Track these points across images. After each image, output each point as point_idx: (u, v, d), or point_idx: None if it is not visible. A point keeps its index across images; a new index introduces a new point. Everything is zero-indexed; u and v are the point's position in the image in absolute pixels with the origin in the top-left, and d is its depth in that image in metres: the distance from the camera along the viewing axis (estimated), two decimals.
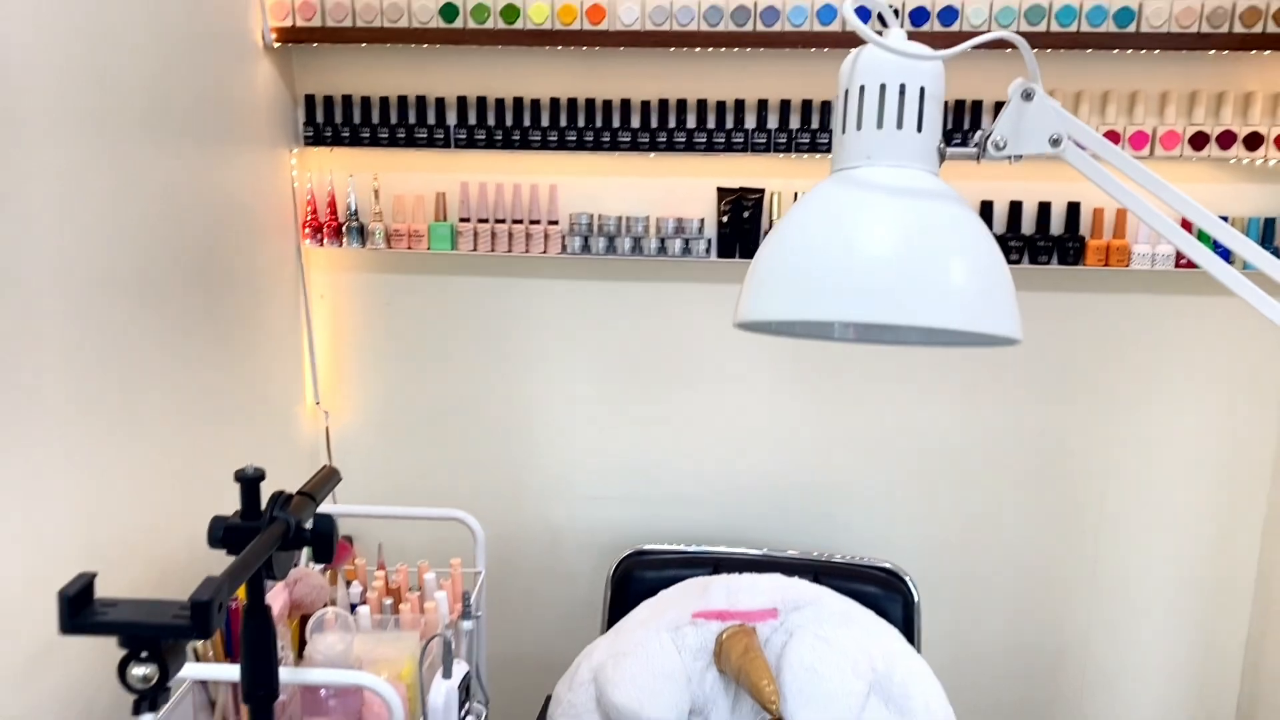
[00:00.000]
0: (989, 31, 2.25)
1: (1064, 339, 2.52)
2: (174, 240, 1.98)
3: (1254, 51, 2.27)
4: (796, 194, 2.47)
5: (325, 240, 2.50)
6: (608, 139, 2.42)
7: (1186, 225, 2.38)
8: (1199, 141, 2.31)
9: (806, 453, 2.62)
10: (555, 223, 2.50)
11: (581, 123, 2.43)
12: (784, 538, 2.63)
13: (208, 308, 2.11)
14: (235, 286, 2.23)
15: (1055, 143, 1.01)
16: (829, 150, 2.38)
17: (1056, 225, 2.43)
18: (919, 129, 0.99)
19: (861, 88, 1.01)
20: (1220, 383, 2.51)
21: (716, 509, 2.65)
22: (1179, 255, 2.38)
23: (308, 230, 2.51)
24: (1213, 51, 2.27)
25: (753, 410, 2.61)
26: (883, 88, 1.00)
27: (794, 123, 2.42)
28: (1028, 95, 1.00)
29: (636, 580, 2.29)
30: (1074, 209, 2.41)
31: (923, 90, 0.99)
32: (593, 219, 2.48)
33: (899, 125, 0.99)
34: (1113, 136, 2.32)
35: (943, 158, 1.01)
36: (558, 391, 2.63)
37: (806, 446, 2.61)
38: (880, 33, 0.99)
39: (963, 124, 2.38)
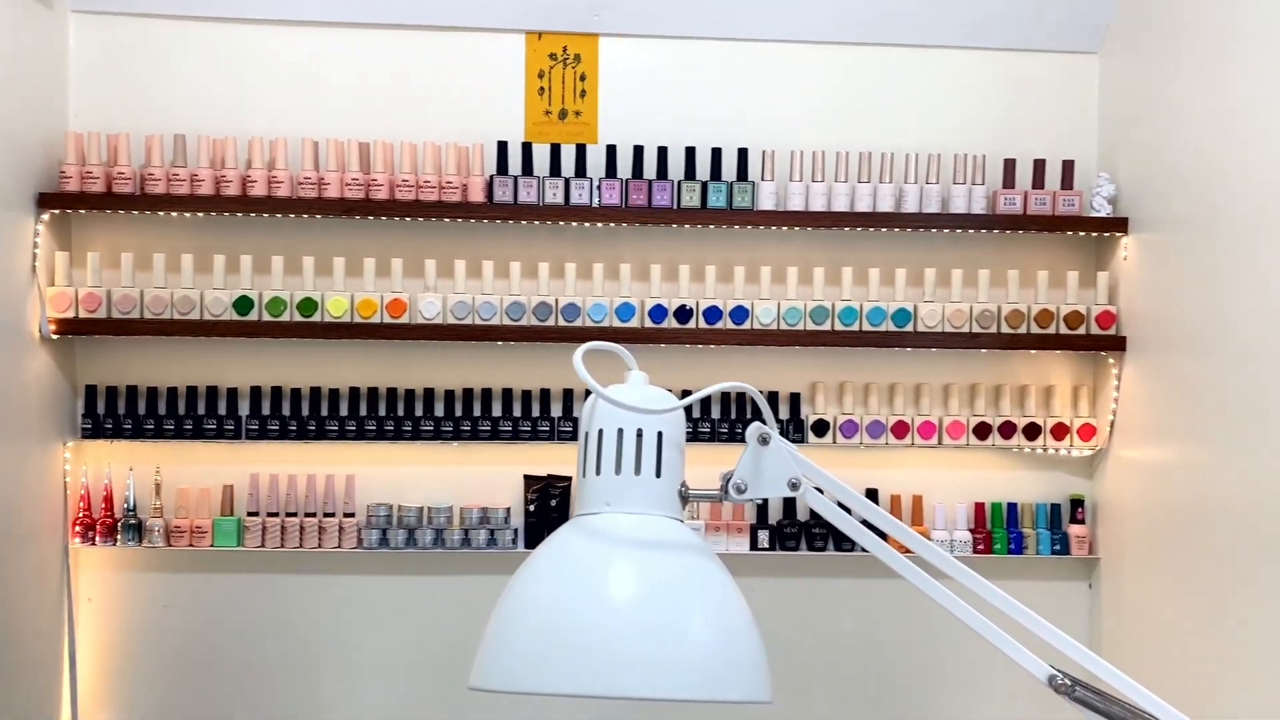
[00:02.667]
0: (777, 329, 2.35)
1: (875, 626, 2.49)
2: None
3: (1021, 351, 2.44)
4: None
5: (98, 539, 2.31)
6: (409, 428, 2.37)
7: (979, 514, 2.46)
8: (982, 431, 2.42)
9: None
10: (351, 515, 2.39)
11: (382, 412, 2.38)
12: None
13: None
14: None
15: (794, 486, 0.99)
16: None
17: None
18: (658, 474, 0.96)
19: (600, 432, 0.98)
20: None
21: None
22: (975, 541, 2.43)
23: (78, 529, 2.31)
24: (984, 350, 2.42)
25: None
26: (620, 433, 0.97)
27: None
28: (764, 440, 0.99)
29: None
30: (872, 496, 2.46)
31: (660, 435, 0.97)
32: (392, 510, 2.39)
33: (637, 471, 0.96)
34: (902, 427, 2.40)
35: (686, 501, 0.98)
36: (356, 699, 2.43)
37: None
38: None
39: (745, 412, 2.42)
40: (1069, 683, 1.03)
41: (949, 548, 2.42)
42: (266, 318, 2.29)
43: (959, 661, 2.49)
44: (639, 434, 0.98)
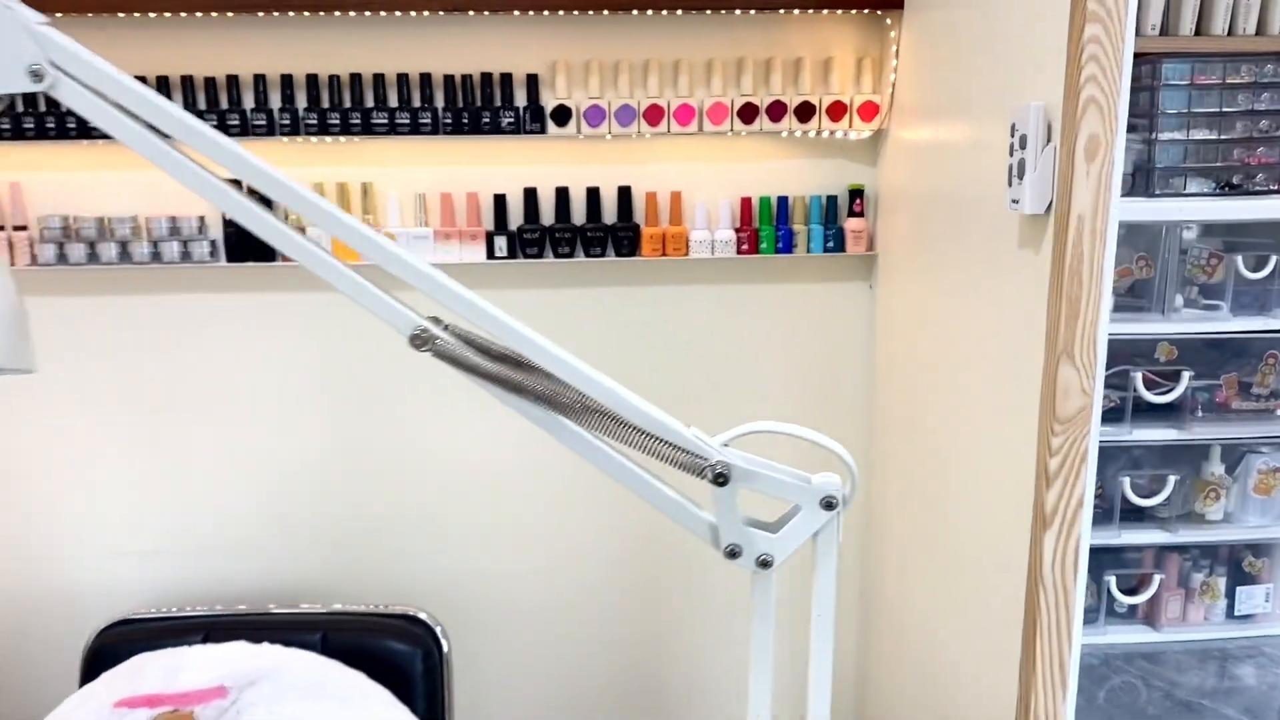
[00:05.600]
0: None
1: (623, 336, 2.26)
2: None
3: (798, 11, 2.07)
4: (315, 184, 2.12)
5: None
6: (74, 125, 2.01)
7: (746, 210, 2.17)
8: (748, 114, 2.09)
9: (343, 488, 2.27)
10: (22, 228, 2.08)
11: (41, 107, 2.02)
12: (319, 587, 2.28)
13: None
14: None
15: (37, 76, 0.68)
16: (343, 131, 2.05)
17: (609, 213, 2.17)
18: None
19: None
20: (804, 373, 2.30)
21: (249, 557, 2.27)
22: (739, 241, 2.16)
23: None
24: (754, 11, 2.05)
25: (285, 444, 2.25)
26: None
27: (301, 101, 2.08)
28: None
29: (114, 658, 1.89)
30: (625, 194, 2.16)
31: None
32: (67, 222, 2.07)
33: None
34: (656, 111, 2.07)
35: None
36: (45, 431, 2.20)
37: (342, 481, 2.27)
38: None
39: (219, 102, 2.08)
40: (428, 335, 0.77)
41: (711, 248, 2.15)
42: None
43: (723, 366, 2.29)
44: None
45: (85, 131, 2.02)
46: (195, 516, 2.25)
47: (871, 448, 2.29)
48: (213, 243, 2.12)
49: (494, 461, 2.29)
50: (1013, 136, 1.37)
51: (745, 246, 2.16)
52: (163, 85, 2.04)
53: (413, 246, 2.12)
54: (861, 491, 2.33)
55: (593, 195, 2.15)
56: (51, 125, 2.01)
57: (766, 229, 2.16)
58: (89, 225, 2.07)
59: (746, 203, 2.17)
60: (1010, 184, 1.39)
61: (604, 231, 2.14)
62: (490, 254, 2.13)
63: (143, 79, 2.01)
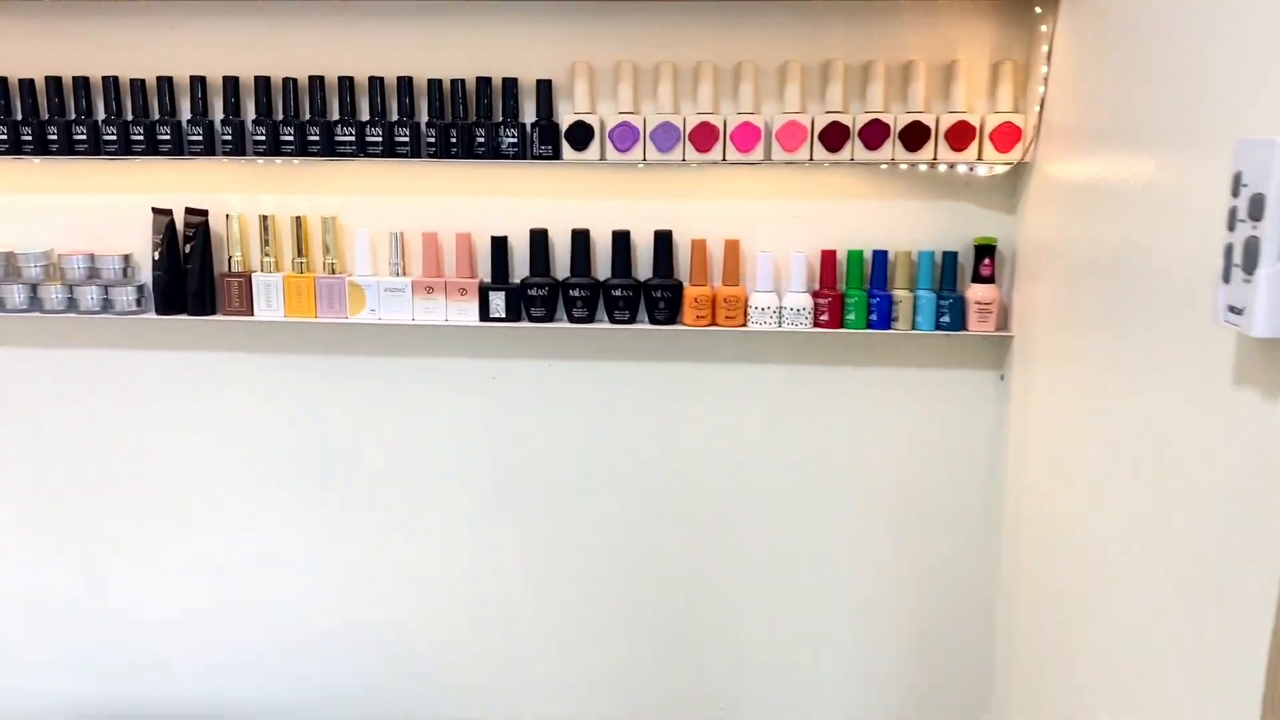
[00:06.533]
0: None
1: (653, 429, 1.70)
2: None
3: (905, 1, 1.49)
4: (264, 217, 1.65)
5: None
6: None
7: (828, 267, 1.59)
8: (835, 137, 1.51)
9: (288, 597, 1.80)
10: None
11: None
12: (243, 712, 1.81)
13: None
14: None
15: None
16: (299, 151, 1.57)
17: (642, 266, 1.62)
18: None
19: None
20: (905, 490, 1.69)
21: (163, 677, 1.83)
22: (818, 310, 1.57)
23: None
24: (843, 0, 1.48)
25: (219, 540, 1.79)
26: None
27: (248, 110, 1.61)
28: None
29: None
30: (664, 241, 1.60)
31: None
32: None
33: None
34: (708, 131, 1.51)
35: None
36: None
37: (286, 588, 1.80)
38: None
39: None
40: None
41: (778, 317, 1.58)
42: None
43: (817, 460, 1.70)
44: None
45: None
46: (104, 625, 1.83)
47: (995, 592, 1.67)
48: (140, 288, 1.67)
49: (486, 587, 1.77)
50: (1235, 195, 0.76)
51: (826, 317, 1.57)
52: (82, 87, 1.61)
53: (385, 301, 1.62)
54: (983, 648, 1.70)
55: (620, 241, 1.60)
56: None
57: (856, 294, 1.57)
58: None
59: (829, 257, 1.58)
60: (1228, 277, 0.78)
61: (634, 290, 1.60)
62: (485, 314, 1.61)
63: (56, 80, 1.59)
